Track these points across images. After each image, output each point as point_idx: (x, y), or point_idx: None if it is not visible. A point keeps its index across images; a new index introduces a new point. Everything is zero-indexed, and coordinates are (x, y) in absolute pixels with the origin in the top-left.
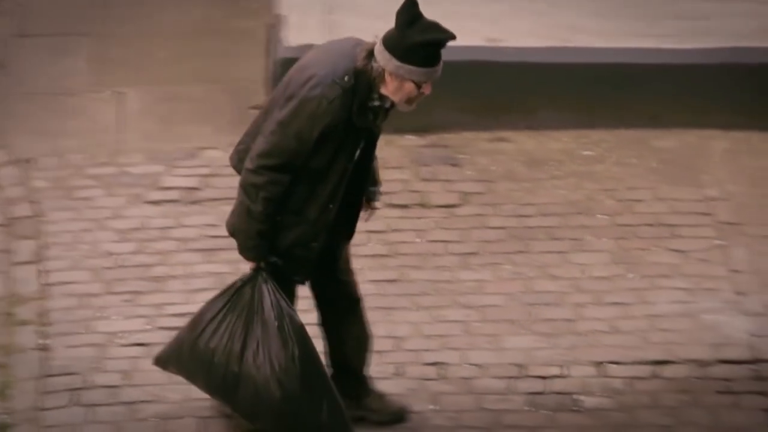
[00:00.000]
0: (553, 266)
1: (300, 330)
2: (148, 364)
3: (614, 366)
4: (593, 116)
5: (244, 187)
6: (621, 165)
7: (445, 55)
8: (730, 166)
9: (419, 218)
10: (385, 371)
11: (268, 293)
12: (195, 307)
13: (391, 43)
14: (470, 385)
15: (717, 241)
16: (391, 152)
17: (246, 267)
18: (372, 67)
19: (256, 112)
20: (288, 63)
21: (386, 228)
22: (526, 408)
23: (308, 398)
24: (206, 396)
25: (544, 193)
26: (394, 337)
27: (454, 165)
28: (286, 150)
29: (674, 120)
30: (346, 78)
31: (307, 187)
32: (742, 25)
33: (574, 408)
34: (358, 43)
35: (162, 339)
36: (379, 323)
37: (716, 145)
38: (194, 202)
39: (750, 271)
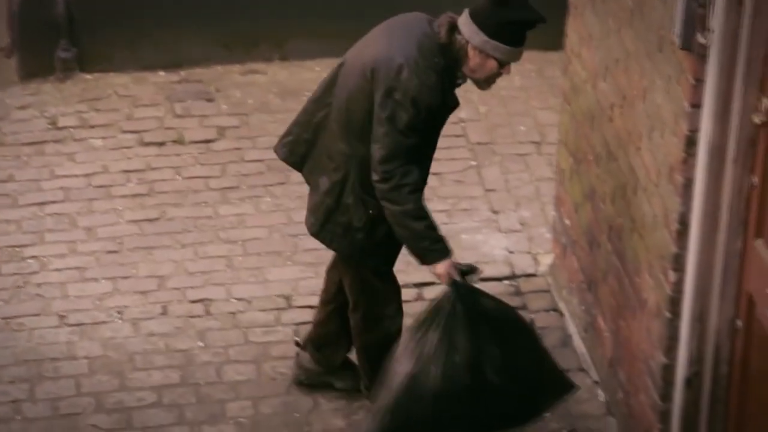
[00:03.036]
0: None
1: (512, 308)
2: None
3: None
4: (345, 44)
5: (387, 198)
6: None
7: None
8: None
9: (176, 155)
10: (150, 311)
11: (480, 293)
12: None
13: (481, 18)
14: (236, 320)
15: (471, 162)
16: (144, 89)
17: None
18: (456, 40)
19: (2, 56)
20: (28, 2)
21: (144, 167)
22: (294, 338)
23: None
24: None
25: None
26: (158, 276)
27: (208, 100)
28: (404, 145)
29: None
30: (436, 60)
31: None
32: None
33: None
34: (431, 19)
35: None
36: (141, 263)
37: None
38: None
39: (503, 189)
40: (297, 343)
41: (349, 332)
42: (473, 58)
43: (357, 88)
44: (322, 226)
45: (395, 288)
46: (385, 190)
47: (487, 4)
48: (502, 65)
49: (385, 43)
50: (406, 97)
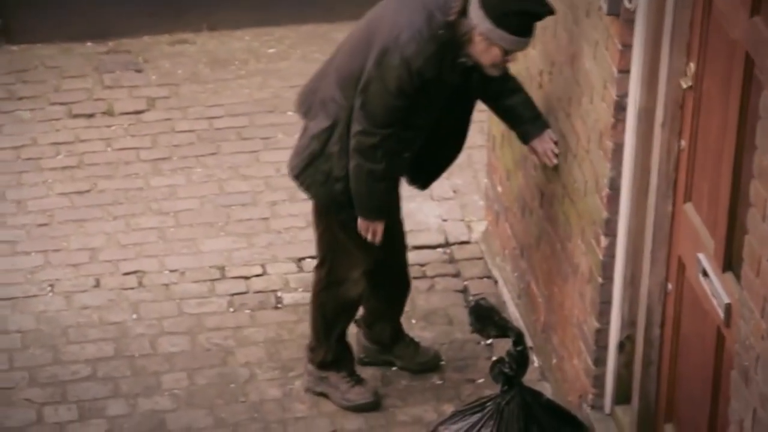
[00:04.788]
0: (245, 166)
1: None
2: None
3: (313, 261)
4: (274, 13)
5: (361, 151)
6: (306, 61)
7: None
8: None
9: (107, 127)
10: (83, 284)
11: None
12: None
13: (488, 4)
14: (170, 292)
15: None
16: (72, 61)
17: None
18: (462, 23)
19: None
20: None
21: (73, 139)
22: (229, 309)
23: None
24: None
25: (230, 93)
26: (90, 249)
27: (137, 70)
28: (392, 107)
29: (349, 12)
30: (440, 32)
31: None
32: None
33: (277, 305)
34: None
35: None
36: (72, 236)
37: None
38: None
39: None
40: (356, 321)
41: (393, 307)
42: (478, 44)
43: (358, 41)
44: (303, 169)
45: (366, 256)
46: (364, 145)
47: None
48: (507, 53)
49: (395, 10)
50: (402, 60)
